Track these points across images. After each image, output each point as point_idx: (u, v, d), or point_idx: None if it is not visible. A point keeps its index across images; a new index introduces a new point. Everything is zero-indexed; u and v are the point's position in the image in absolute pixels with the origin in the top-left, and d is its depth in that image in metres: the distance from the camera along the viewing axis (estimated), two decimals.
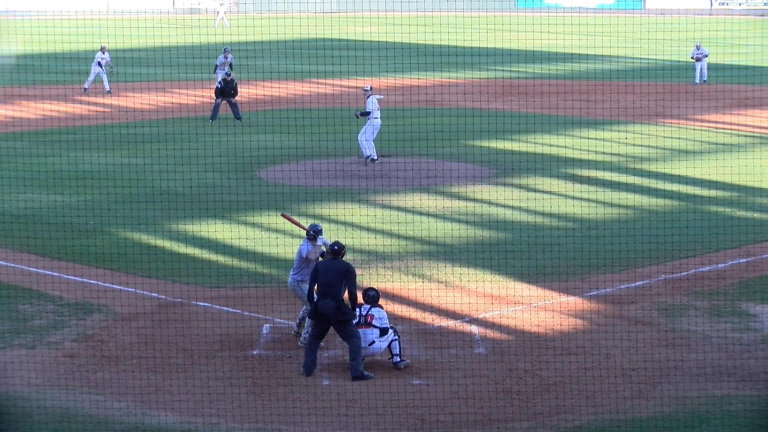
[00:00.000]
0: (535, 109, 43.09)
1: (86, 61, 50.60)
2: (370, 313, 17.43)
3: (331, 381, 16.96)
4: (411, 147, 33.47)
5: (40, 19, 77.84)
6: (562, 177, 31.16)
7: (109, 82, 48.27)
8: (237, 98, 40.45)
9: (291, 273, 18.53)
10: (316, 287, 17.27)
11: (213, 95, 40.85)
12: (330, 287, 17.00)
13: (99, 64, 47.83)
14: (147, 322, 19.37)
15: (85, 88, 48.07)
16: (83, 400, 16.19)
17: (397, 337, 17.40)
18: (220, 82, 40.33)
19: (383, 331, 17.34)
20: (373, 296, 17.73)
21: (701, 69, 51.13)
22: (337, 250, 17.45)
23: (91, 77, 48.27)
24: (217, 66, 45.34)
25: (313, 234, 18.13)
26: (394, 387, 16.48)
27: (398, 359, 17.38)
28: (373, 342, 17.28)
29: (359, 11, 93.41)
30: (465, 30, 73.06)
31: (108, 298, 20.52)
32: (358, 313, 17.39)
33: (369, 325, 17.32)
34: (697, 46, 51.20)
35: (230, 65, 44.38)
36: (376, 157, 32.52)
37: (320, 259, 17.97)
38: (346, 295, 17.17)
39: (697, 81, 50.81)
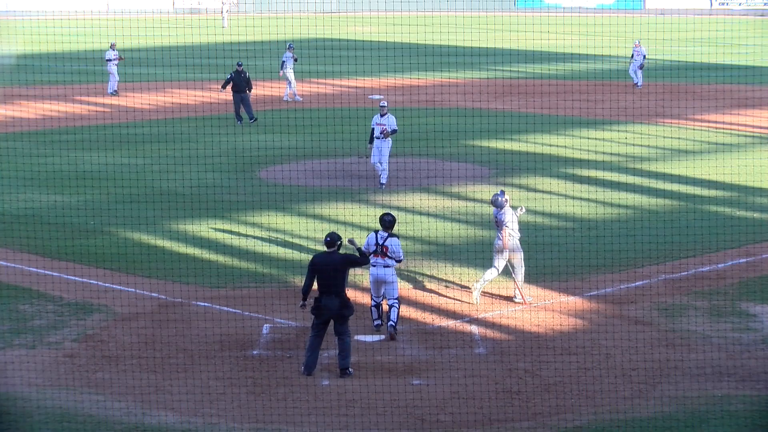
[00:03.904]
0: (535, 109, 43.09)
1: (87, 61, 50.57)
2: (386, 244, 18.49)
3: (331, 381, 16.95)
4: (411, 147, 33.44)
5: (40, 19, 77.82)
6: (561, 177, 31.15)
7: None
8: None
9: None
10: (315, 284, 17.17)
11: (220, 87, 40.69)
12: (330, 283, 16.92)
13: (113, 62, 47.55)
14: (147, 322, 19.36)
15: (116, 91, 47.80)
16: (83, 400, 16.19)
17: (398, 306, 18.56)
18: (231, 74, 40.02)
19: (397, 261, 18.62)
20: (389, 221, 18.70)
21: (636, 69, 49.12)
22: (330, 241, 17.22)
23: (114, 77, 47.95)
24: (284, 62, 45.41)
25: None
26: (394, 387, 16.48)
27: (392, 323, 18.34)
28: (387, 266, 18.49)
29: (359, 11, 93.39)
30: (465, 30, 73.05)
31: (108, 298, 20.52)
32: (374, 242, 18.52)
33: (384, 255, 18.51)
34: (636, 44, 49.46)
35: (294, 60, 45.44)
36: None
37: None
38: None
39: (640, 83, 49.35)
